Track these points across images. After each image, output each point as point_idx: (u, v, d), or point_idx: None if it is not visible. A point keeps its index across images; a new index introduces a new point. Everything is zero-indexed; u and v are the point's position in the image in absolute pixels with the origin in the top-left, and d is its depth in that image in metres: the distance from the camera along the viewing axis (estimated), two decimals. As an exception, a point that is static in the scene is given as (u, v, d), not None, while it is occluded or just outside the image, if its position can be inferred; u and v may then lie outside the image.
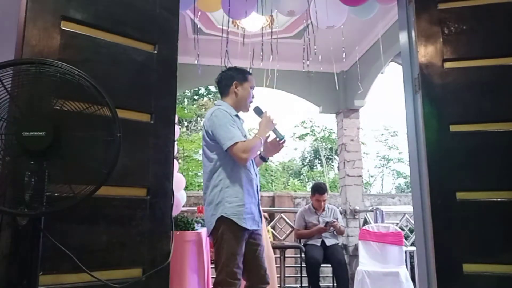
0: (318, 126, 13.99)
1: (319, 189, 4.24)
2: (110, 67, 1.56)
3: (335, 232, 4.34)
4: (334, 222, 4.10)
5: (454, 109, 1.78)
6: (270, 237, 4.13)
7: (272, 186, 12.38)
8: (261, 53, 3.74)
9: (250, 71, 2.44)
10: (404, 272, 3.90)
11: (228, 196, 2.08)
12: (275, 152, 2.34)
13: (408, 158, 1.99)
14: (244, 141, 2.10)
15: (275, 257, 3.55)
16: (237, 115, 2.26)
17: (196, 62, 3.32)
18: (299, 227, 4.28)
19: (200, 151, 10.66)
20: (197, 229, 2.98)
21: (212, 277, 3.34)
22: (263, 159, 2.36)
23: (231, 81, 2.29)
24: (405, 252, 4.22)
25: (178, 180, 3.15)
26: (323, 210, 4.22)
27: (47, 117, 1.11)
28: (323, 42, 3.90)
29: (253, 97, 2.33)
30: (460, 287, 1.65)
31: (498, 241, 1.65)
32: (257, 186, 2.22)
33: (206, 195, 2.16)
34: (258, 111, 2.30)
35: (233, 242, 2.03)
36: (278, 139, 2.28)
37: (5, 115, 1.08)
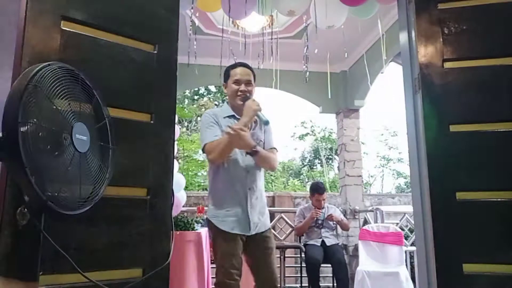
0: (318, 126, 14.00)
1: (318, 189, 4.29)
2: (110, 67, 1.56)
3: (336, 232, 4.34)
4: (333, 216, 4.17)
5: (454, 109, 1.78)
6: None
7: (272, 186, 12.38)
8: (262, 54, 3.74)
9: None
10: (404, 272, 3.90)
11: (212, 197, 2.14)
12: (242, 143, 2.03)
13: (408, 158, 1.99)
14: (212, 142, 2.07)
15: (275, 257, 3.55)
16: (233, 115, 2.19)
17: (190, 62, 3.32)
18: (297, 224, 4.29)
19: (200, 151, 10.66)
20: (197, 229, 2.99)
21: (212, 277, 3.35)
22: (250, 154, 2.11)
23: (223, 82, 2.28)
24: (405, 252, 4.22)
25: (178, 180, 3.15)
26: (322, 207, 4.23)
27: (88, 121, 1.15)
28: (323, 42, 3.90)
29: (241, 91, 2.16)
30: (460, 287, 1.65)
31: (498, 241, 1.65)
32: (250, 188, 2.11)
33: None
34: (245, 99, 2.16)
35: (222, 243, 2.05)
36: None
37: (71, 119, 1.09)
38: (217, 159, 2.07)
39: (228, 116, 2.19)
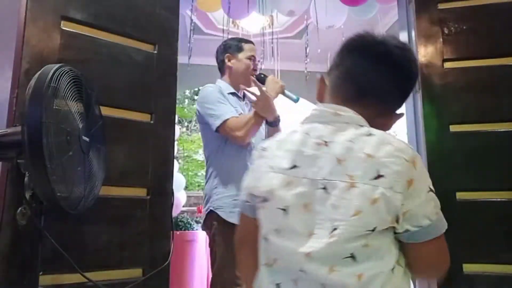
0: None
1: None
2: (110, 67, 1.56)
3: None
4: None
5: (454, 109, 1.78)
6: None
7: (272, 186, 12.36)
8: (262, 54, 3.74)
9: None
10: (404, 272, 3.90)
11: (216, 186, 1.78)
12: (266, 107, 1.80)
13: (408, 158, 1.99)
14: (237, 117, 1.78)
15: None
16: (235, 93, 1.94)
17: (186, 62, 3.31)
18: None
19: (200, 151, 10.64)
20: (197, 229, 2.99)
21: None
22: (271, 124, 1.88)
23: (224, 54, 1.98)
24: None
25: (178, 180, 3.15)
26: None
27: (90, 124, 1.17)
28: (323, 42, 3.90)
29: (254, 69, 1.96)
30: (460, 287, 1.65)
31: (498, 241, 1.65)
32: None
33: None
34: (262, 78, 1.91)
35: (224, 247, 1.69)
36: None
37: (77, 121, 1.11)
38: (246, 136, 1.76)
39: (230, 93, 1.92)
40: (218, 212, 1.75)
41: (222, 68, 2.03)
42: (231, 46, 1.99)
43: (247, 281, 0.87)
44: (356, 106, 0.80)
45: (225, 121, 1.75)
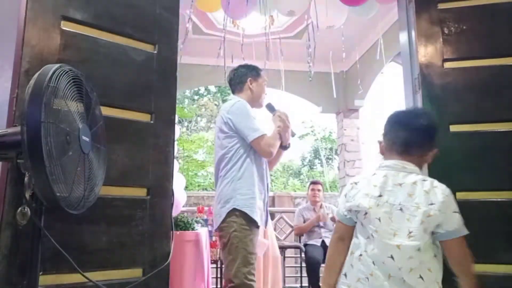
0: (319, 126, 13.99)
1: (313, 181, 4.45)
2: (110, 67, 1.56)
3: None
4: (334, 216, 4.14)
5: (454, 109, 1.78)
6: (270, 237, 4.12)
7: (272, 186, 12.38)
8: (264, 54, 3.74)
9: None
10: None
11: (240, 188, 2.00)
12: (288, 136, 2.24)
13: (408, 158, 1.99)
14: (269, 136, 2.10)
15: (275, 257, 3.54)
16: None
17: (184, 61, 3.30)
18: (298, 224, 4.28)
19: (200, 151, 10.64)
20: (197, 229, 2.98)
21: (212, 277, 3.34)
22: (284, 148, 2.25)
23: (246, 77, 2.23)
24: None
25: (178, 180, 3.15)
26: (321, 207, 4.22)
27: (91, 124, 1.17)
28: (323, 42, 3.90)
29: (265, 94, 2.29)
30: (460, 287, 1.65)
31: (498, 241, 1.65)
32: (267, 185, 2.17)
33: (217, 190, 2.08)
34: (271, 108, 2.25)
35: (248, 239, 1.93)
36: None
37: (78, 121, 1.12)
38: (273, 154, 2.10)
39: None
40: (244, 210, 1.97)
41: (240, 87, 2.25)
42: (252, 71, 2.26)
43: (334, 263, 1.36)
44: (405, 155, 1.33)
45: (261, 136, 2.04)
